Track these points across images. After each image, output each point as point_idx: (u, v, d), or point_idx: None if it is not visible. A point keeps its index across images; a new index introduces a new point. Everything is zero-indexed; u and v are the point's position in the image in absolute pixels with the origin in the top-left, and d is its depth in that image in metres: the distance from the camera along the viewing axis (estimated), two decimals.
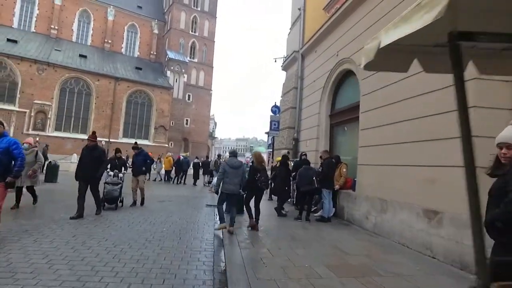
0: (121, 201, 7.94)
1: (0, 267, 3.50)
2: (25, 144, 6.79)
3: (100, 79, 35.05)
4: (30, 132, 31.11)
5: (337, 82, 9.50)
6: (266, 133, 18.94)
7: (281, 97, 14.22)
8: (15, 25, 35.85)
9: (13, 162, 4.60)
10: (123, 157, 9.00)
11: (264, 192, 6.67)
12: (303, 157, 9.00)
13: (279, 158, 9.63)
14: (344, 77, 9.19)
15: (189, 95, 44.36)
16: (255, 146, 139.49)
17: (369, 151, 6.78)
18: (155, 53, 44.33)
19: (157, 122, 38.77)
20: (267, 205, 9.76)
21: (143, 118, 38.22)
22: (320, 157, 8.08)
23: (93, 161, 6.55)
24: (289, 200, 9.40)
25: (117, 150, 8.69)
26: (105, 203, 7.37)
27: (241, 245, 4.96)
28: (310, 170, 7.61)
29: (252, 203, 6.29)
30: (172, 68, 41.52)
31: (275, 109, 13.44)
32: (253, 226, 6.04)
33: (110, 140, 34.73)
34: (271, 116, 13.12)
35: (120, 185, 7.64)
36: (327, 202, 7.44)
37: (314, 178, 7.29)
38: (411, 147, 5.44)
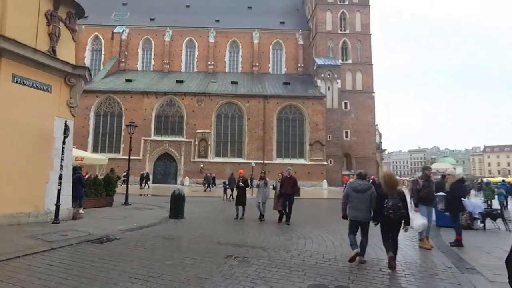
0: None
1: None
2: None
3: (250, 100, 34.21)
4: (196, 159, 32.81)
5: None
6: None
7: None
8: (182, 69, 41.06)
9: None
10: None
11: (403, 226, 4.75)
12: None
13: None
14: None
15: (345, 103, 38.14)
16: (438, 158, 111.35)
17: None
18: (302, 65, 41.37)
19: (312, 138, 34.15)
20: None
21: (296, 135, 34.60)
22: None
23: None
24: None
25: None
26: None
27: None
28: None
29: None
30: (322, 75, 36.83)
31: None
32: (391, 265, 4.69)
33: (265, 161, 32.57)
34: None
35: None
36: None
37: None
38: None
